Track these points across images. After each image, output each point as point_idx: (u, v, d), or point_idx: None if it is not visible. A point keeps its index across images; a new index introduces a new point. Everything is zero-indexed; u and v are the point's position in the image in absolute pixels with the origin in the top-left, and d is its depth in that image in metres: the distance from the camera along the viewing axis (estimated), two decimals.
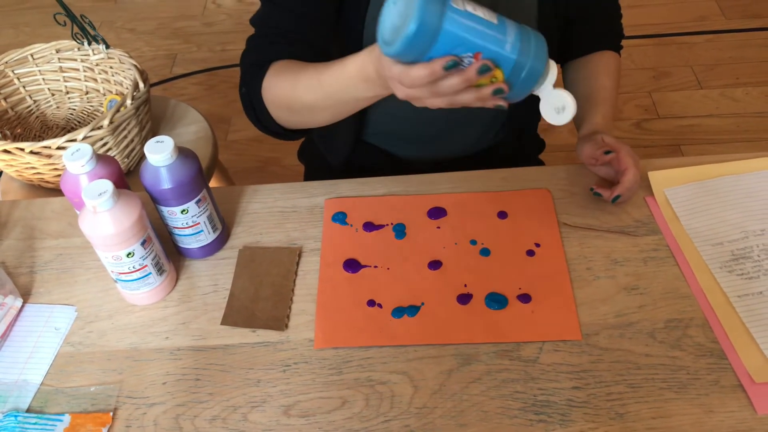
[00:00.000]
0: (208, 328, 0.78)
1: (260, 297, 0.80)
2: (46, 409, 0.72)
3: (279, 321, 0.78)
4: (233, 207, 0.91)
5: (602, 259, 0.81)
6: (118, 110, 1.08)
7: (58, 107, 1.35)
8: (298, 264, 0.84)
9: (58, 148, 1.05)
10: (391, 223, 0.87)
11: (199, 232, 0.82)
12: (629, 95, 2.10)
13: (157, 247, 0.78)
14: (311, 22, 0.87)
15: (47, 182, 1.17)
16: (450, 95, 0.63)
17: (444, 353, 0.74)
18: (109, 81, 1.30)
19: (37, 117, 1.34)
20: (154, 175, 0.75)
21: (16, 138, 1.29)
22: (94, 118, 1.31)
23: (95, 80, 1.32)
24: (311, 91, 0.78)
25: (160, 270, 0.79)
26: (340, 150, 1.08)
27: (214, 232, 0.84)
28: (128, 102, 1.10)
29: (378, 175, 0.94)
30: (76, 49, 1.28)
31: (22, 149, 1.05)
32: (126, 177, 0.85)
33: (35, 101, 1.33)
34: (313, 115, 0.81)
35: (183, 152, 0.77)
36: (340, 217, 0.88)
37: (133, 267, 0.75)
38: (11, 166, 1.12)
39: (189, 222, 0.80)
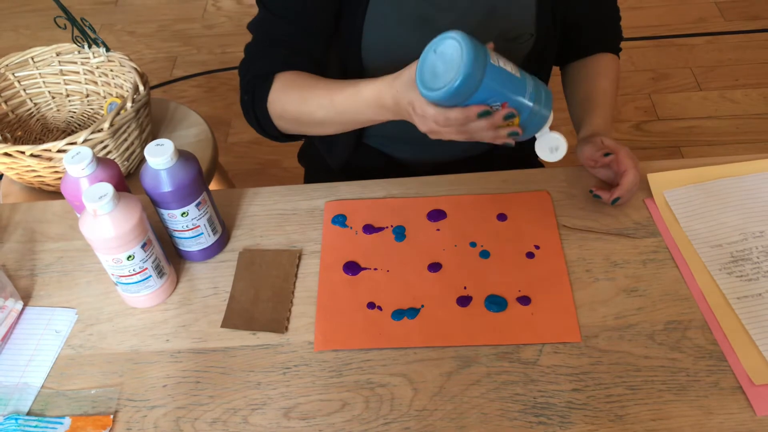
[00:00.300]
0: (208, 331, 0.78)
1: (260, 299, 0.80)
2: (46, 412, 0.72)
3: (279, 323, 0.78)
4: (233, 210, 0.91)
5: (602, 261, 0.81)
6: (118, 113, 1.08)
7: (58, 110, 1.35)
8: (298, 266, 0.84)
9: (59, 151, 1.05)
10: (391, 226, 0.87)
11: (199, 235, 0.82)
12: (628, 97, 2.10)
13: (158, 250, 0.78)
14: (311, 32, 0.88)
15: (48, 185, 1.17)
16: (472, 133, 0.71)
17: (444, 355, 0.74)
18: (109, 84, 1.31)
19: (37, 120, 1.34)
20: (155, 178, 0.76)
21: (16, 141, 1.29)
22: (95, 121, 1.31)
23: (95, 83, 1.32)
24: (323, 109, 0.81)
25: (160, 273, 0.79)
26: (340, 153, 1.08)
27: (214, 234, 0.84)
28: (128, 105, 1.10)
29: (378, 178, 0.94)
30: (76, 52, 1.29)
31: (23, 152, 1.05)
32: (126, 180, 0.85)
33: (36, 104, 1.33)
34: (322, 129, 0.86)
35: (183, 155, 0.77)
36: (340, 220, 0.88)
37: (134, 270, 0.76)
38: (12, 169, 1.12)
39: (189, 225, 0.80)
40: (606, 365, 0.72)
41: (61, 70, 1.31)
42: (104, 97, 1.33)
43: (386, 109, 0.75)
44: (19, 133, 1.31)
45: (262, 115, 0.87)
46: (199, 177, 0.78)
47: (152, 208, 0.81)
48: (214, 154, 1.30)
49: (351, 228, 0.87)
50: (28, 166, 1.09)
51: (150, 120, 1.22)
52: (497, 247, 0.84)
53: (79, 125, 1.34)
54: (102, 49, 1.24)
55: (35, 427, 0.71)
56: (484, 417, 0.69)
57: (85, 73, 1.32)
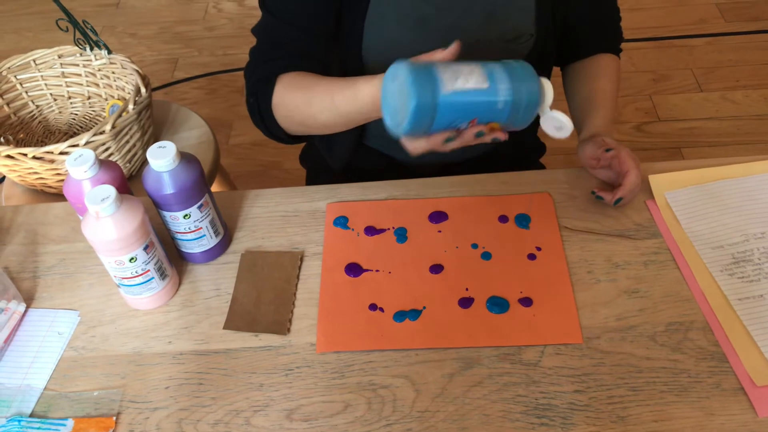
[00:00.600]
0: (210, 333, 0.78)
1: (262, 301, 0.80)
2: (49, 414, 0.72)
3: (281, 325, 0.78)
4: (235, 211, 0.92)
5: (603, 262, 0.81)
6: (120, 115, 1.09)
7: (60, 112, 1.36)
8: (300, 268, 0.84)
9: (61, 153, 1.05)
10: (393, 227, 0.87)
11: (201, 237, 0.82)
12: (629, 98, 2.10)
13: (160, 252, 0.78)
14: (313, 35, 0.88)
15: (50, 187, 1.17)
16: (451, 149, 0.71)
17: (446, 357, 0.74)
18: (111, 86, 1.31)
19: (39, 122, 1.34)
20: (157, 180, 0.76)
21: (18, 143, 1.29)
22: (96, 123, 1.32)
23: (97, 85, 1.33)
24: (326, 111, 0.81)
25: (162, 275, 0.79)
26: (341, 154, 1.08)
27: (216, 236, 0.84)
28: (130, 107, 1.10)
29: (379, 179, 0.94)
30: (78, 55, 1.29)
31: (25, 154, 1.06)
32: (128, 182, 0.85)
33: (38, 106, 1.33)
34: (327, 129, 0.85)
35: (185, 157, 0.77)
36: (341, 222, 0.88)
37: (136, 272, 0.76)
38: (14, 171, 1.12)
39: (191, 227, 0.80)
40: (608, 366, 0.72)
41: (62, 73, 1.31)
42: (106, 99, 1.34)
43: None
44: (21, 135, 1.31)
45: (268, 117, 0.87)
46: (201, 179, 0.78)
47: (154, 210, 0.81)
48: (216, 156, 1.30)
49: (353, 230, 0.87)
50: (31, 168, 1.09)
51: (152, 122, 1.22)
52: (499, 248, 0.84)
53: (81, 127, 1.34)
54: (104, 52, 1.24)
55: (38, 429, 0.71)
56: (486, 418, 0.69)
57: (86, 76, 1.32)
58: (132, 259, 0.74)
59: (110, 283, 0.84)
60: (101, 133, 1.06)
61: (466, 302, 0.78)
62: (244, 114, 2.30)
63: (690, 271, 0.79)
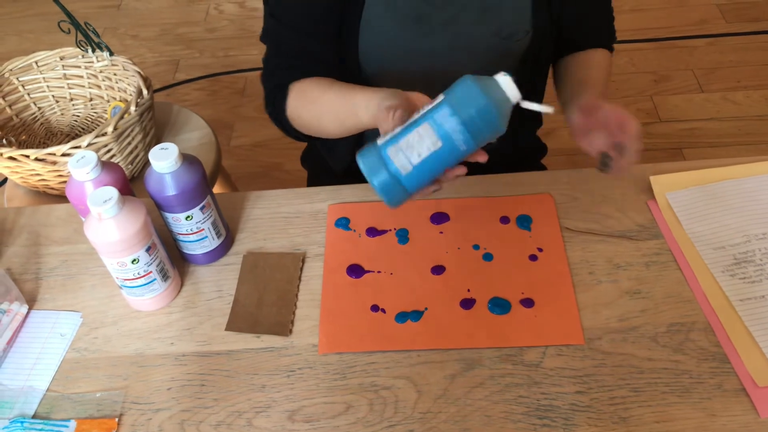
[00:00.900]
0: (212, 334, 0.78)
1: (264, 302, 0.81)
2: (52, 415, 0.73)
3: (283, 326, 0.78)
4: (237, 213, 0.92)
5: (604, 263, 0.81)
6: (122, 117, 1.09)
7: (62, 114, 1.36)
8: (301, 269, 0.84)
9: (63, 155, 1.05)
10: (394, 229, 0.87)
11: (203, 238, 0.82)
12: (630, 99, 2.10)
13: (162, 254, 0.78)
14: (318, 38, 0.89)
15: (52, 189, 1.17)
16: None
17: (447, 358, 0.74)
18: (112, 88, 1.31)
19: (41, 124, 1.34)
20: (159, 181, 0.76)
21: (20, 145, 1.30)
22: (98, 125, 1.32)
23: (99, 87, 1.33)
24: (335, 127, 0.84)
25: (164, 276, 0.79)
26: (341, 156, 1.08)
27: (218, 238, 0.84)
28: (132, 109, 1.11)
29: None
30: (80, 57, 1.29)
31: (27, 156, 1.06)
32: (130, 183, 0.86)
33: (40, 108, 1.34)
34: (341, 137, 0.87)
35: (187, 159, 0.77)
36: (343, 223, 0.88)
37: (138, 273, 0.76)
38: (16, 172, 1.12)
39: (193, 228, 0.80)
40: (609, 367, 0.72)
41: (64, 74, 1.32)
42: (108, 101, 1.34)
43: None
44: (24, 137, 1.31)
45: (288, 125, 0.91)
46: (203, 181, 0.78)
47: (156, 212, 0.81)
48: (218, 157, 1.30)
49: (354, 231, 0.87)
50: (33, 170, 1.09)
51: (153, 123, 1.23)
52: (500, 249, 0.84)
53: (83, 129, 1.35)
54: (105, 53, 1.25)
55: (41, 430, 0.71)
56: (487, 419, 0.69)
57: (88, 77, 1.32)
58: (134, 260, 0.74)
59: (112, 284, 0.84)
60: (103, 135, 1.07)
61: (467, 303, 0.78)
62: (246, 115, 2.30)
63: (691, 272, 0.79)
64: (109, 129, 1.07)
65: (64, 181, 1.13)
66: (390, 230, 0.87)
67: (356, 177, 1.06)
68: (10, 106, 1.29)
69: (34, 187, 1.18)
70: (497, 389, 0.71)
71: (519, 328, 0.76)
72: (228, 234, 0.87)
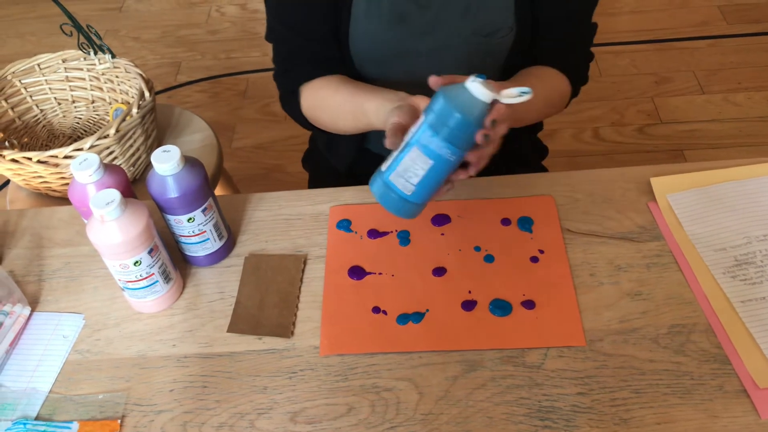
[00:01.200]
0: (214, 336, 0.79)
1: (266, 304, 0.81)
2: (54, 417, 0.73)
3: (285, 328, 0.78)
4: (239, 215, 0.92)
5: (606, 265, 0.82)
6: (124, 119, 1.09)
7: (64, 116, 1.36)
8: (303, 271, 0.84)
9: (65, 157, 1.06)
10: (396, 230, 0.87)
11: (205, 240, 0.82)
12: (631, 100, 2.11)
13: (164, 256, 0.79)
14: (318, 40, 0.92)
15: (54, 191, 1.18)
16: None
17: (449, 360, 0.74)
18: (114, 90, 1.32)
19: (43, 126, 1.35)
20: (161, 184, 0.76)
21: (23, 147, 1.30)
22: (100, 127, 1.32)
23: (101, 89, 1.33)
24: (350, 127, 0.91)
25: (166, 278, 0.80)
26: (343, 157, 1.09)
27: (220, 240, 0.84)
28: (134, 111, 1.11)
29: None
30: (82, 59, 1.29)
31: (30, 158, 1.06)
32: (132, 185, 0.86)
33: (42, 110, 1.34)
34: (355, 134, 0.94)
35: (189, 161, 0.78)
36: (344, 225, 0.89)
37: (140, 275, 0.76)
38: (19, 175, 1.13)
39: (195, 230, 0.80)
40: (611, 369, 0.72)
41: (66, 77, 1.32)
42: (110, 103, 1.34)
43: None
44: (26, 139, 1.32)
45: (307, 124, 0.99)
46: (205, 183, 0.78)
47: (158, 214, 0.81)
48: (219, 159, 1.30)
49: (356, 233, 0.88)
50: (35, 172, 1.09)
51: (155, 126, 1.23)
52: (501, 251, 0.84)
53: (85, 131, 1.35)
54: (107, 56, 1.25)
55: (43, 431, 0.71)
56: (489, 421, 0.69)
57: (90, 80, 1.33)
58: (136, 262, 0.75)
59: (115, 286, 0.84)
60: (105, 137, 1.07)
61: (469, 305, 0.79)
62: (247, 117, 2.31)
63: (692, 274, 0.79)
64: (111, 131, 1.07)
65: (67, 184, 1.13)
66: (391, 232, 0.87)
67: (358, 176, 1.07)
68: (12, 108, 1.29)
69: (37, 189, 1.18)
70: (498, 391, 0.71)
71: (520, 329, 0.76)
72: (230, 236, 0.87)
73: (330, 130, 0.96)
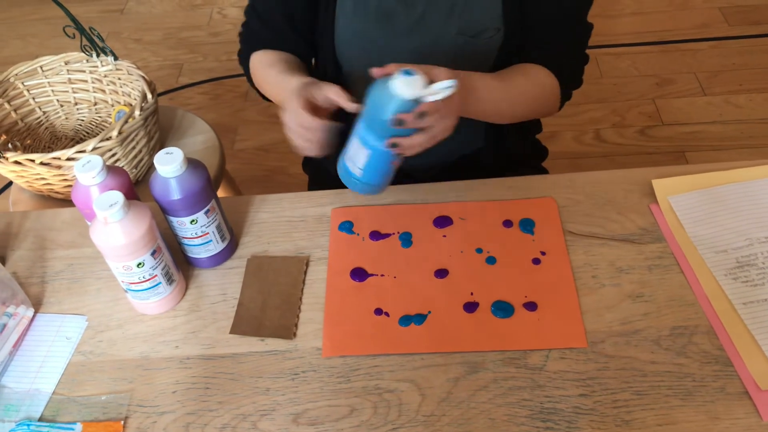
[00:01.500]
0: (217, 337, 0.79)
1: (268, 306, 0.81)
2: (57, 418, 0.73)
3: (287, 330, 0.78)
4: (241, 217, 0.92)
5: (607, 266, 0.82)
6: (126, 121, 1.10)
7: (66, 118, 1.37)
8: (305, 273, 0.84)
9: (68, 159, 1.06)
10: (398, 232, 0.88)
11: (208, 242, 0.83)
12: (632, 102, 2.11)
13: (167, 257, 0.79)
14: (290, 26, 0.98)
15: (57, 193, 1.18)
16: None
17: (451, 361, 0.74)
18: (117, 92, 1.32)
19: (46, 128, 1.35)
20: (164, 186, 0.76)
21: (25, 149, 1.30)
22: (103, 129, 1.32)
23: (103, 91, 1.34)
24: (276, 99, 0.95)
25: (169, 280, 0.80)
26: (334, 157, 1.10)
27: (222, 241, 0.85)
28: (137, 113, 1.11)
29: None
30: (84, 61, 1.30)
31: (33, 160, 1.06)
32: (134, 187, 0.86)
33: (44, 112, 1.34)
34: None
35: (192, 163, 0.78)
36: (346, 226, 0.89)
37: (143, 277, 0.76)
38: (21, 177, 1.13)
39: (198, 232, 0.81)
40: (612, 371, 0.72)
41: (69, 79, 1.32)
42: (112, 105, 1.35)
43: None
44: (29, 141, 1.32)
45: (257, 90, 1.04)
46: (208, 185, 0.79)
47: (161, 216, 0.81)
48: (222, 161, 1.31)
49: (358, 234, 0.88)
50: (38, 174, 1.10)
51: (158, 128, 1.23)
52: (503, 253, 0.84)
53: (88, 133, 1.35)
54: (110, 58, 1.25)
55: None
56: (491, 422, 0.69)
57: (93, 82, 1.33)
58: (140, 264, 0.75)
59: (117, 288, 0.85)
60: (108, 139, 1.07)
61: (471, 307, 0.79)
62: (249, 119, 2.31)
63: (694, 276, 0.80)
64: (114, 133, 1.07)
65: (69, 185, 1.14)
66: (393, 234, 0.87)
67: None
68: (15, 110, 1.29)
69: (39, 191, 1.19)
70: (500, 392, 0.71)
71: (522, 331, 0.76)
72: (232, 238, 0.87)
73: (272, 99, 0.99)
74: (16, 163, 1.07)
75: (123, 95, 1.31)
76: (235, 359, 0.77)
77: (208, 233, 0.82)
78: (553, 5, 0.90)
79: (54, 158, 1.06)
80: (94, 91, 1.34)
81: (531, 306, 0.78)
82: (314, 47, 1.02)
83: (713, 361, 0.72)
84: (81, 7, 2.70)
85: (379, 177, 0.76)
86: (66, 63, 1.30)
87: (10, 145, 1.27)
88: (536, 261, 0.83)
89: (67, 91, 1.34)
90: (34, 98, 1.32)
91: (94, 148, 1.06)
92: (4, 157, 1.07)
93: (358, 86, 0.84)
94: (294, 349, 0.77)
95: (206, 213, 0.80)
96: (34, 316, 0.83)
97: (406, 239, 0.87)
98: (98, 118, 1.36)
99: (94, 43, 1.24)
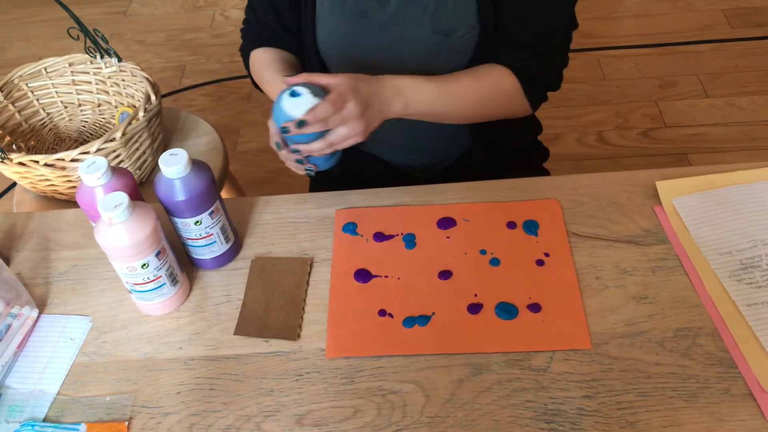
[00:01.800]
0: (221, 338, 0.79)
1: (272, 307, 0.81)
2: (62, 419, 0.73)
3: (291, 331, 0.78)
4: (245, 218, 0.92)
5: (611, 268, 0.82)
6: (130, 123, 1.10)
7: (70, 120, 1.37)
8: (309, 274, 0.85)
9: (72, 160, 1.06)
10: (401, 233, 0.88)
11: (212, 243, 0.83)
12: (635, 104, 2.11)
13: (171, 258, 0.79)
14: (284, 25, 1.01)
15: (61, 194, 1.18)
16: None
17: (455, 363, 0.74)
18: (120, 93, 1.32)
19: (50, 129, 1.35)
20: (168, 187, 0.77)
21: (29, 150, 1.31)
22: (106, 131, 1.33)
23: (107, 93, 1.34)
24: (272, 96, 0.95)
25: (173, 281, 0.80)
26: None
27: (226, 242, 0.85)
28: (140, 114, 1.11)
29: (378, 185, 0.95)
30: (88, 63, 1.30)
31: (37, 161, 1.07)
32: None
33: (48, 114, 1.35)
34: None
35: (197, 164, 0.78)
36: (350, 228, 0.89)
37: (148, 278, 0.77)
38: (26, 178, 1.13)
39: (202, 233, 0.81)
40: (617, 372, 0.72)
41: (73, 80, 1.33)
42: (116, 107, 1.35)
43: None
44: (32, 142, 1.32)
45: (256, 85, 1.07)
46: (212, 186, 0.79)
47: (165, 217, 0.82)
48: (225, 162, 1.31)
49: (362, 236, 0.88)
50: (42, 175, 1.10)
51: (161, 129, 1.23)
52: (507, 254, 0.84)
53: (91, 134, 1.36)
54: (114, 59, 1.26)
55: None
56: (495, 424, 0.69)
57: (96, 83, 1.33)
58: (144, 265, 0.75)
59: (122, 289, 0.85)
60: (112, 141, 1.07)
61: (474, 308, 0.79)
62: (252, 121, 2.31)
63: (698, 277, 0.80)
64: (118, 134, 1.08)
65: (73, 187, 1.14)
66: (397, 235, 0.88)
67: (353, 179, 1.08)
68: (19, 111, 1.30)
69: (43, 192, 1.19)
70: (505, 394, 0.71)
71: (526, 332, 0.76)
72: (236, 239, 0.87)
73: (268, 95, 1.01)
74: (21, 164, 1.08)
75: (127, 97, 1.32)
76: (239, 360, 0.77)
77: (212, 234, 0.82)
78: (525, 6, 0.89)
79: (58, 159, 1.06)
80: (98, 93, 1.35)
81: (535, 307, 0.78)
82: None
83: (717, 362, 0.72)
84: (84, 9, 2.71)
85: (317, 161, 0.86)
86: (70, 64, 1.30)
87: (14, 147, 1.27)
88: (540, 262, 0.83)
89: (71, 93, 1.34)
90: (38, 100, 1.32)
91: (98, 150, 1.06)
92: (8, 158, 1.07)
93: None
94: (298, 350, 0.77)
95: (210, 214, 0.80)
96: (38, 317, 0.83)
97: (410, 240, 0.87)
98: (102, 120, 1.37)
99: (98, 45, 1.24)
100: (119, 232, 0.72)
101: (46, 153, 1.19)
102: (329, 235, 0.89)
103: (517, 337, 0.76)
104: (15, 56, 2.57)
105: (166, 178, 0.76)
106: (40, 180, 1.12)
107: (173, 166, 0.75)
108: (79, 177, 0.79)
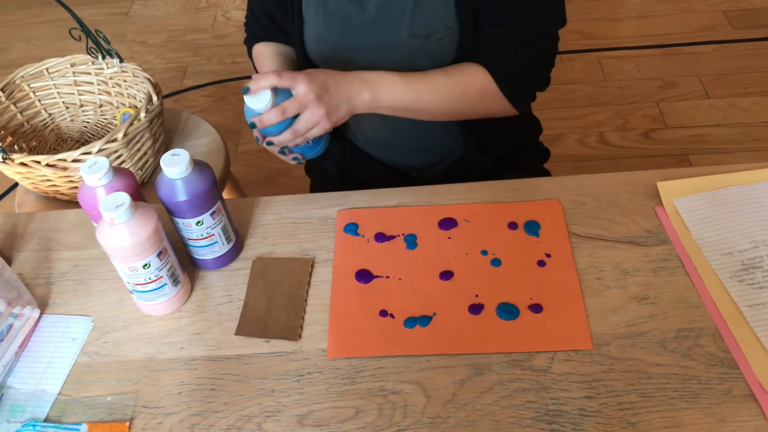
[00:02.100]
0: (222, 339, 0.79)
1: (274, 307, 0.81)
2: (63, 419, 0.73)
3: (292, 331, 0.79)
4: (247, 218, 0.92)
5: (612, 269, 0.82)
6: (132, 123, 1.10)
7: (72, 120, 1.37)
8: (310, 274, 0.85)
9: (74, 160, 1.06)
10: (403, 234, 0.88)
11: (213, 244, 0.83)
12: (636, 105, 2.11)
13: (173, 259, 0.79)
14: (278, 25, 1.04)
15: (62, 194, 1.18)
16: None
17: (456, 363, 0.74)
18: (122, 94, 1.32)
19: (51, 130, 1.35)
20: (170, 187, 0.77)
21: (31, 151, 1.31)
22: (108, 131, 1.33)
23: (109, 93, 1.34)
24: None
25: (175, 281, 0.80)
26: (334, 156, 1.12)
27: (228, 243, 0.85)
28: (142, 115, 1.12)
29: (377, 185, 0.95)
30: (90, 63, 1.30)
31: (39, 162, 1.07)
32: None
33: (50, 114, 1.35)
34: None
35: (198, 165, 0.78)
36: (351, 228, 0.89)
37: (149, 278, 0.77)
38: (27, 178, 1.13)
39: (204, 233, 0.81)
40: (618, 373, 0.72)
41: (75, 81, 1.33)
42: (117, 107, 1.35)
43: None
44: (34, 143, 1.32)
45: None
46: (214, 186, 0.79)
47: (167, 217, 0.82)
48: (226, 163, 1.31)
49: (363, 236, 0.88)
50: (44, 175, 1.10)
51: (163, 129, 1.24)
52: (508, 255, 0.84)
53: (93, 135, 1.36)
54: (116, 60, 1.26)
55: None
56: (496, 424, 0.69)
57: (98, 84, 1.33)
58: (145, 265, 0.75)
59: (123, 289, 0.85)
60: (113, 141, 1.08)
61: (476, 309, 0.79)
62: None
63: (699, 278, 0.80)
64: (120, 135, 1.08)
65: (75, 187, 1.14)
66: (398, 236, 0.88)
67: (354, 180, 1.09)
68: (21, 112, 1.30)
69: (45, 192, 1.19)
70: (506, 394, 0.71)
71: (527, 333, 0.76)
72: (238, 239, 0.87)
73: None
74: (22, 164, 1.08)
75: (128, 97, 1.32)
76: (240, 360, 0.77)
77: (213, 235, 0.82)
78: (504, 7, 0.89)
79: (60, 160, 1.06)
80: (100, 93, 1.35)
81: (536, 308, 0.78)
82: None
83: (719, 363, 0.72)
84: (86, 10, 2.71)
85: (301, 150, 0.93)
86: (72, 65, 1.30)
87: (15, 147, 1.27)
88: (541, 263, 0.83)
89: (72, 93, 1.34)
90: (39, 100, 1.32)
91: (100, 150, 1.06)
92: (10, 158, 1.08)
93: None
94: (299, 351, 0.77)
95: (212, 214, 0.80)
96: (39, 317, 0.83)
97: (411, 241, 0.87)
98: (103, 120, 1.37)
99: (99, 46, 1.24)
100: (121, 232, 0.72)
101: (47, 153, 1.19)
102: (330, 236, 0.89)
103: (518, 338, 0.76)
104: (17, 57, 2.58)
105: (167, 178, 0.77)
106: (42, 180, 1.13)
107: (175, 166, 0.75)
108: (80, 177, 0.79)
